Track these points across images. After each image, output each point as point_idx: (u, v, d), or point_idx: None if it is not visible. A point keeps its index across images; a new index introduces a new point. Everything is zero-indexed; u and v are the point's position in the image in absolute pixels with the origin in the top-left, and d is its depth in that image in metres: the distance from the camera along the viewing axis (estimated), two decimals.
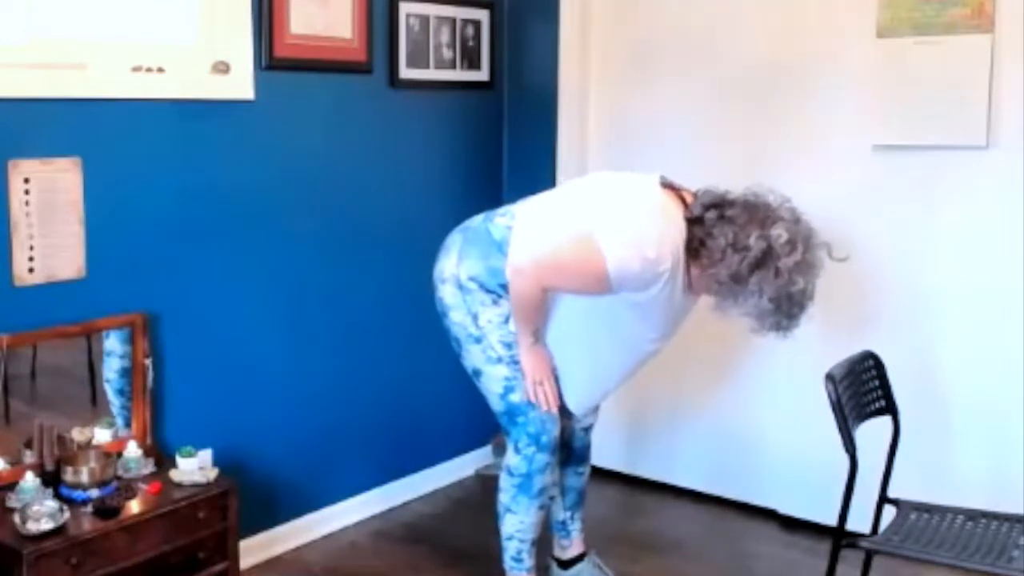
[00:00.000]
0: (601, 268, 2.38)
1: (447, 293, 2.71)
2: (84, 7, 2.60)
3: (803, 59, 3.31)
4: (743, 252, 2.29)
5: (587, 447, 2.99)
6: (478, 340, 2.68)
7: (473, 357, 2.71)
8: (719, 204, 2.39)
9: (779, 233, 2.29)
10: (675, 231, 2.40)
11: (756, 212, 2.35)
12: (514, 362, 2.66)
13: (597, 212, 2.47)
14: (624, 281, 2.40)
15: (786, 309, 2.32)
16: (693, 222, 2.40)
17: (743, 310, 2.36)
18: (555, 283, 2.53)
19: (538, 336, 2.65)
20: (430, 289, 2.79)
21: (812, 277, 2.32)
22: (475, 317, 2.68)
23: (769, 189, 2.40)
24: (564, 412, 2.81)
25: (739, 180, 3.39)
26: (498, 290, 2.66)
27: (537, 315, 2.59)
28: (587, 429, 2.96)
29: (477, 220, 2.77)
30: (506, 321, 2.67)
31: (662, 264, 2.37)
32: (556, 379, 2.79)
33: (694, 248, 2.39)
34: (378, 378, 3.56)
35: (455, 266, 2.70)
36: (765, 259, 2.29)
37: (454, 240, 2.77)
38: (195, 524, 2.62)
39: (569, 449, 2.92)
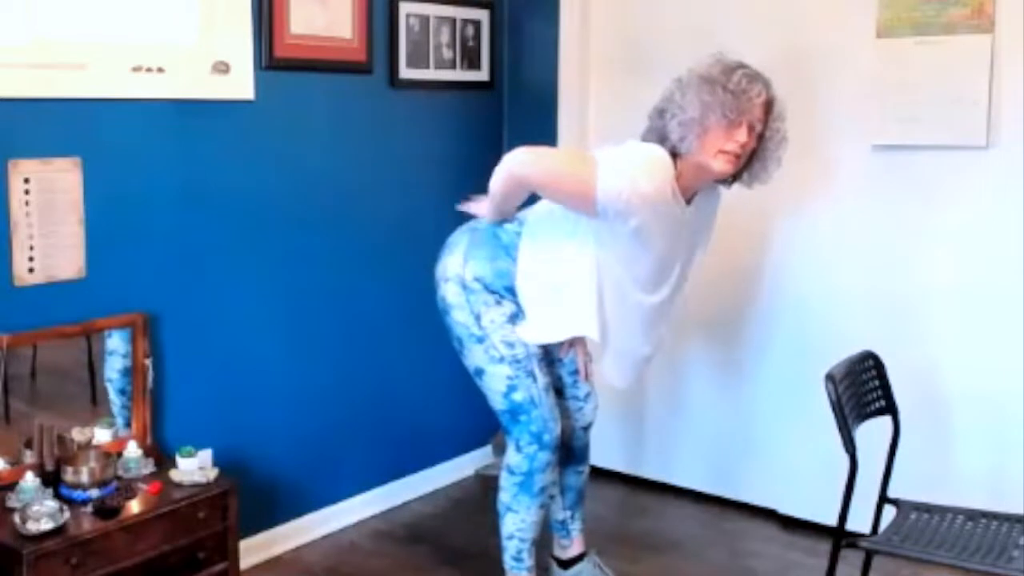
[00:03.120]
0: (590, 186, 2.43)
1: (450, 292, 2.72)
2: (84, 7, 2.60)
3: (803, 59, 3.31)
4: (673, 97, 2.52)
5: (586, 446, 2.99)
6: (480, 340, 2.68)
7: (475, 357, 2.71)
8: (651, 119, 2.60)
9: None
10: (660, 162, 2.49)
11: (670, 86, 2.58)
12: (516, 361, 2.66)
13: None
14: (608, 203, 2.42)
15: (721, 81, 2.44)
16: (657, 141, 2.55)
17: (696, 112, 2.44)
18: (548, 182, 2.55)
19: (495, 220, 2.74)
20: (430, 289, 2.79)
21: (711, 64, 2.51)
22: (478, 317, 2.68)
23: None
24: (564, 412, 2.81)
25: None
26: (502, 291, 2.67)
27: (503, 202, 2.68)
28: (586, 428, 2.96)
29: (485, 222, 2.78)
30: (508, 320, 2.67)
31: (644, 194, 2.43)
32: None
33: (676, 152, 2.52)
34: (378, 378, 3.56)
35: (460, 266, 2.70)
36: (678, 85, 2.53)
37: (459, 239, 2.77)
38: (195, 524, 2.62)
39: (568, 448, 2.92)
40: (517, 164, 2.57)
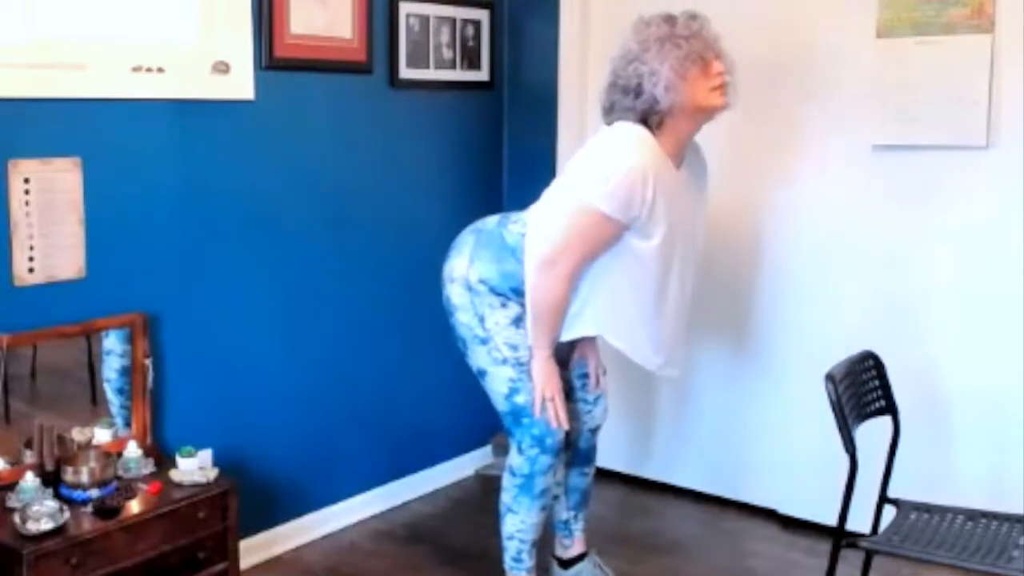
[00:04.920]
0: (602, 217, 2.48)
1: (455, 293, 2.72)
2: (84, 7, 2.60)
3: (803, 59, 3.31)
4: (640, 71, 2.53)
5: (593, 448, 2.99)
6: (484, 341, 2.68)
7: (479, 358, 2.71)
8: (615, 102, 2.59)
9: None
10: (634, 137, 2.52)
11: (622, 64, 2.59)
12: (519, 364, 2.66)
13: (575, 180, 2.58)
14: (624, 205, 2.46)
15: (675, 32, 2.51)
16: (639, 117, 2.55)
17: (674, 71, 2.49)
18: (584, 252, 2.55)
19: (553, 348, 2.66)
20: (430, 289, 2.79)
21: (645, 26, 2.57)
22: (482, 319, 2.68)
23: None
24: (572, 414, 2.81)
25: (738, 181, 3.39)
26: (508, 293, 2.67)
27: (558, 319, 2.62)
28: (594, 430, 2.96)
29: (491, 223, 2.77)
30: (512, 323, 2.67)
31: (639, 167, 2.45)
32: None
33: (651, 123, 2.54)
34: (378, 378, 3.56)
35: (466, 267, 2.70)
36: (630, 58, 2.55)
37: (465, 241, 2.77)
38: (195, 524, 2.62)
39: (575, 450, 2.92)
40: (550, 274, 2.56)
